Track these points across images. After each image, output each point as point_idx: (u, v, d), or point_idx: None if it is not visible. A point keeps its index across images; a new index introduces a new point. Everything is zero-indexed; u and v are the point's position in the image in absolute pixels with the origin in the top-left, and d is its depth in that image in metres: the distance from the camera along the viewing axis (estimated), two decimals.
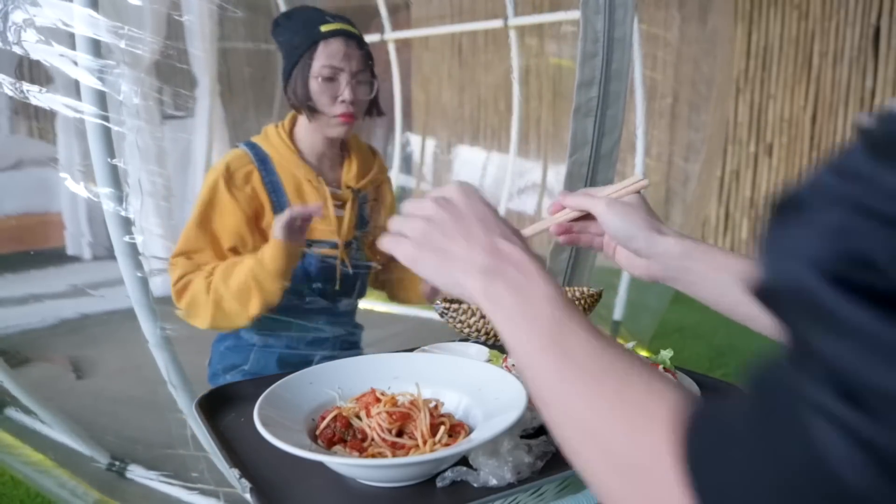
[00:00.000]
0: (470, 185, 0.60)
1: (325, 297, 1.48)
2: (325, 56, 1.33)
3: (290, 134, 1.44)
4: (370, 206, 1.56)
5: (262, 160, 1.41)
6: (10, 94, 1.28)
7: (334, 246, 1.46)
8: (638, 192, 0.78)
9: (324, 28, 1.34)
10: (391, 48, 3.61)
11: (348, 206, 1.47)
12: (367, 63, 1.38)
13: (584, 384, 0.42)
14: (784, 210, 0.29)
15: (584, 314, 0.51)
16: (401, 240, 0.58)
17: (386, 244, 0.59)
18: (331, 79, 1.34)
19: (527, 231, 0.76)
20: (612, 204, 0.74)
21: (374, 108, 1.45)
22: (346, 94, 1.34)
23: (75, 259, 2.86)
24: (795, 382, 0.27)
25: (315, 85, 1.35)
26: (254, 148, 1.42)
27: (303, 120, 1.43)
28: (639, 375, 0.41)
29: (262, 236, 1.41)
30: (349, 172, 1.49)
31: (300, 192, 1.43)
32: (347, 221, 1.47)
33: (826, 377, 0.26)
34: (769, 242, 0.29)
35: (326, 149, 1.46)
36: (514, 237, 0.55)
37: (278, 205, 1.41)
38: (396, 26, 3.60)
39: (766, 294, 0.29)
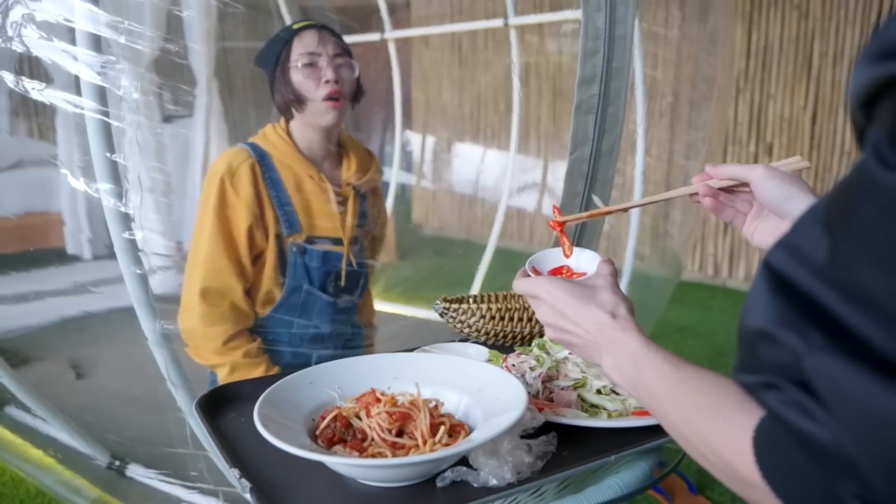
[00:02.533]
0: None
1: (326, 293, 1.48)
2: (301, 46, 1.39)
3: (288, 133, 1.46)
4: (369, 204, 1.58)
5: (262, 156, 1.42)
6: (12, 86, 1.28)
7: (336, 242, 1.47)
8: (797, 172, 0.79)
9: (295, 26, 1.42)
10: (391, 47, 3.60)
11: (350, 202, 1.49)
12: (343, 49, 1.43)
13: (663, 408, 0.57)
14: None
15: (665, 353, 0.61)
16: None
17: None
18: (311, 65, 1.39)
19: (668, 193, 0.83)
20: (770, 169, 0.76)
21: (358, 91, 1.48)
22: (328, 73, 1.38)
23: (76, 258, 2.86)
24: None
25: (296, 74, 1.39)
26: (252, 146, 1.43)
27: (296, 120, 1.44)
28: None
29: (264, 232, 1.41)
30: (349, 170, 1.51)
31: (301, 188, 1.43)
32: (350, 218, 1.48)
33: None
34: None
35: (323, 146, 1.47)
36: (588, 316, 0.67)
37: (278, 201, 1.41)
38: (396, 25, 3.59)
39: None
